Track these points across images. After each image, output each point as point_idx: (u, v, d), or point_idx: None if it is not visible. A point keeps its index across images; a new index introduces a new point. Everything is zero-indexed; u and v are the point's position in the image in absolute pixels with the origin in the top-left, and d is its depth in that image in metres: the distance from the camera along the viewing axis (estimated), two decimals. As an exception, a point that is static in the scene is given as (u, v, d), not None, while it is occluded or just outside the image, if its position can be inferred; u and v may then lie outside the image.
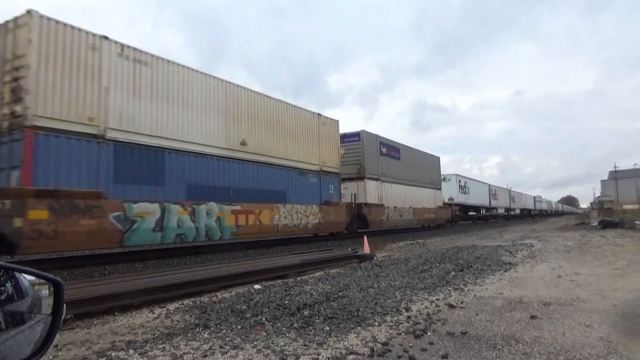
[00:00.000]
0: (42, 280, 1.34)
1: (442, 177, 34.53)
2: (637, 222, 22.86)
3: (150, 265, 11.07)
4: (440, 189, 31.98)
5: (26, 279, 1.30)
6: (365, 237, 12.57)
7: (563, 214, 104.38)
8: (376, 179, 22.39)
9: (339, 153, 19.45)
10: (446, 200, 34.42)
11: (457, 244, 15.34)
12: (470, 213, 42.84)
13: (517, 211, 65.01)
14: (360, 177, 21.37)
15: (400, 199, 24.90)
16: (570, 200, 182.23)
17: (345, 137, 21.58)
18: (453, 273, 8.01)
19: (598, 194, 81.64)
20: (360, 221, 20.57)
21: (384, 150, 23.62)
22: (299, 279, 8.03)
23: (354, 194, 20.42)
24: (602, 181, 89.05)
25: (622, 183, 75.67)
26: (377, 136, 23.09)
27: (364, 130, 21.98)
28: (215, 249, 14.15)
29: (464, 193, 39.62)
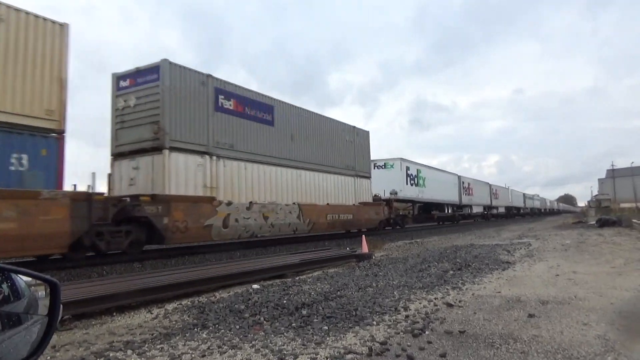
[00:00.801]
0: (38, 281, 1.33)
1: (382, 163, 26.93)
2: (634, 220, 22.93)
3: (148, 265, 11.05)
4: (369, 177, 22.15)
5: (22, 280, 1.29)
6: (363, 236, 12.58)
7: (560, 213, 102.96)
8: (201, 152, 12.73)
9: (61, 85, 9.80)
10: (386, 195, 25.10)
11: (456, 243, 15.37)
12: (433, 212, 33.56)
13: (502, 209, 55.88)
14: (157, 148, 11.78)
15: (272, 189, 15.30)
16: (568, 199, 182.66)
17: (138, 76, 12.42)
18: (451, 272, 8.02)
19: (595, 192, 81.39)
20: (149, 230, 11.27)
21: (227, 103, 13.80)
22: (297, 278, 8.03)
23: (88, 176, 11.26)
24: (599, 179, 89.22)
25: (620, 181, 75.89)
26: (208, 77, 13.29)
27: (166, 60, 12.04)
28: (213, 249, 14.12)
29: (416, 185, 29.66)
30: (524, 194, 73.23)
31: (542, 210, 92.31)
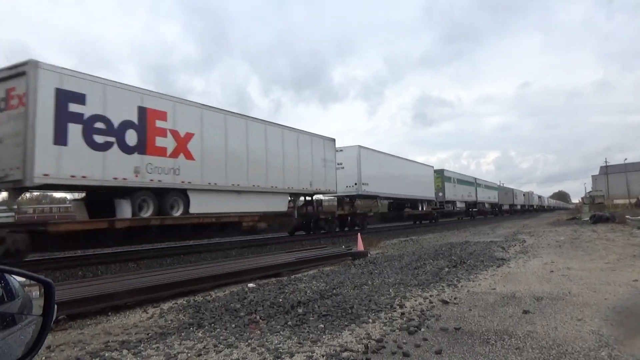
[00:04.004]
0: (32, 282, 1.33)
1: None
2: (627, 216, 23.11)
3: (143, 264, 11.02)
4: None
5: (16, 280, 1.29)
6: (358, 234, 12.60)
7: (554, 210, 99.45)
8: None
9: None
10: None
11: (451, 240, 15.42)
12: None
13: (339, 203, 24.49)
14: None
15: None
16: (562, 196, 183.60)
17: None
18: (446, 269, 8.05)
19: (589, 189, 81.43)
20: None
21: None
22: (293, 277, 8.03)
23: None
24: (592, 176, 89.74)
25: (613, 178, 76.39)
26: None
27: None
28: (209, 247, 14.10)
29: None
30: (444, 176, 36.38)
31: (508, 208, 60.37)
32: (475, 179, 46.72)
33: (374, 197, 26.46)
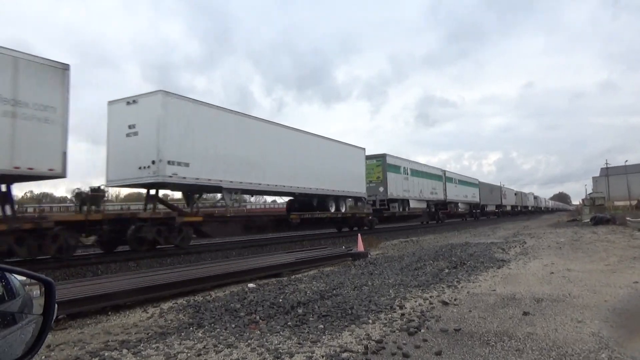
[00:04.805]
0: (33, 280, 1.33)
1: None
2: (628, 218, 23.10)
3: (143, 264, 11.03)
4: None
5: (17, 279, 1.29)
6: (359, 235, 12.60)
7: (554, 211, 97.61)
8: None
9: None
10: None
11: (451, 242, 15.41)
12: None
13: None
14: None
15: None
16: (562, 197, 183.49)
17: None
18: (446, 270, 8.04)
19: (590, 190, 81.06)
20: None
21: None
22: (293, 277, 8.03)
23: None
24: (593, 178, 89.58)
25: (613, 180, 76.29)
26: None
27: None
28: (210, 247, 14.10)
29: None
30: (387, 163, 26.43)
31: (494, 210, 49.18)
32: (444, 171, 35.97)
33: (215, 189, 15.39)
